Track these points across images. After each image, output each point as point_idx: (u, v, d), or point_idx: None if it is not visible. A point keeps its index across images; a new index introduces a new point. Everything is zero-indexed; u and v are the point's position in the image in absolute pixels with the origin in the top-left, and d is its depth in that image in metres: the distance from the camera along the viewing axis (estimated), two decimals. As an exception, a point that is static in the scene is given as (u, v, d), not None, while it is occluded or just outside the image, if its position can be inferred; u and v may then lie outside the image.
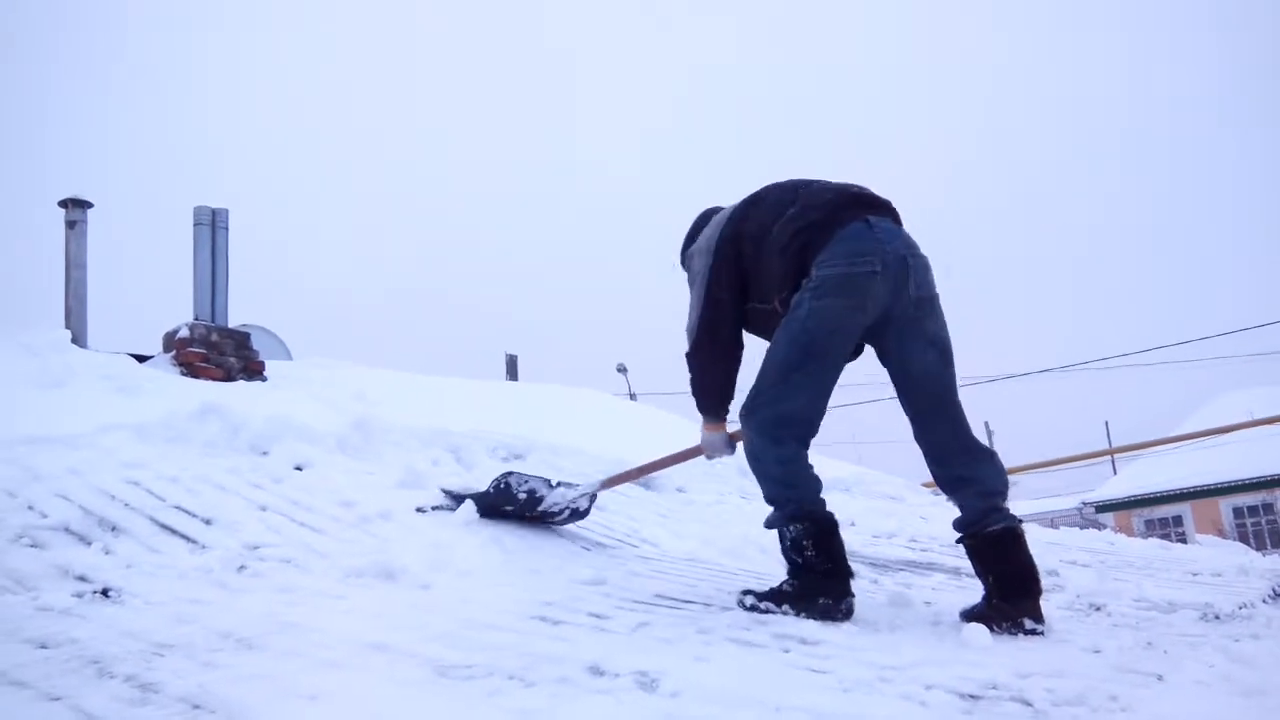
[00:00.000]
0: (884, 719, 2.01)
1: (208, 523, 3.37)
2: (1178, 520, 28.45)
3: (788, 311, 2.90)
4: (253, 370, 6.52)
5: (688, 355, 3.16)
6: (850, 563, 3.04)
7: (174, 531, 3.28)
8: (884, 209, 2.98)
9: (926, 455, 3.03)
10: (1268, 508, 28.17)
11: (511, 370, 12.86)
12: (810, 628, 2.79)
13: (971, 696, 2.20)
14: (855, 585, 3.02)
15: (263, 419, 4.37)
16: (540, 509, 3.83)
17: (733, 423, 3.23)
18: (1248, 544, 13.87)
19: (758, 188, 3.19)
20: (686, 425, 3.75)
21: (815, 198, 2.95)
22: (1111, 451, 26.14)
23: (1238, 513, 28.44)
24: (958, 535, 3.07)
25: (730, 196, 3.31)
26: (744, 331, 3.15)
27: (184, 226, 6.98)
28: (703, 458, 3.50)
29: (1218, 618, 3.42)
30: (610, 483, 3.94)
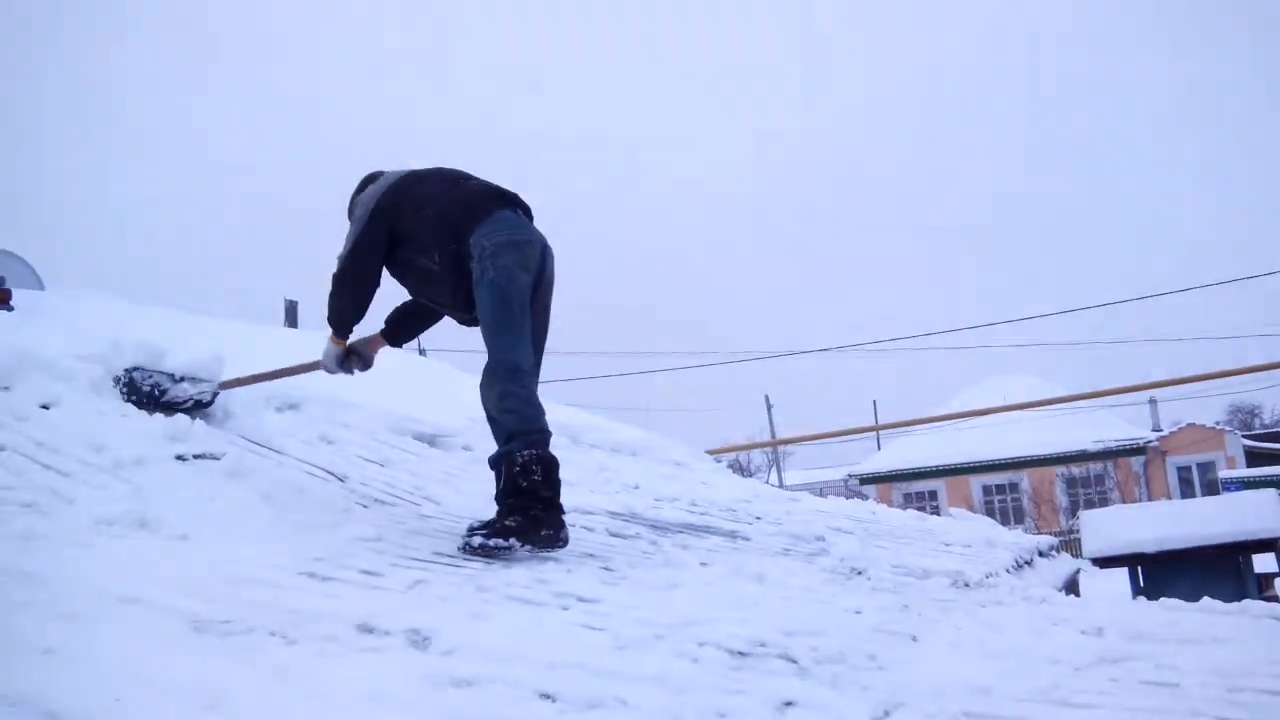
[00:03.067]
0: (656, 675, 2.03)
1: (-67, 463, 3.03)
2: (933, 495, 30.68)
3: (466, 279, 3.47)
4: (-2, 299, 5.93)
5: (335, 276, 3.69)
6: (634, 524, 3.10)
7: (-109, 472, 2.92)
8: (525, 209, 3.70)
9: None
10: (1014, 486, 30.85)
11: (291, 317, 12.27)
12: (591, 587, 2.80)
13: (740, 653, 2.26)
14: (635, 546, 3.07)
15: (5, 351, 3.96)
16: (165, 399, 4.10)
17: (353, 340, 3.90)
18: (995, 519, 15.04)
19: (422, 166, 3.83)
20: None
21: (476, 185, 3.69)
22: (877, 428, 27.71)
23: (987, 490, 31.01)
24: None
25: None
26: (390, 275, 3.74)
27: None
28: (322, 371, 4.05)
29: (967, 585, 3.67)
30: (229, 384, 4.27)
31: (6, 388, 3.78)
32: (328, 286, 3.75)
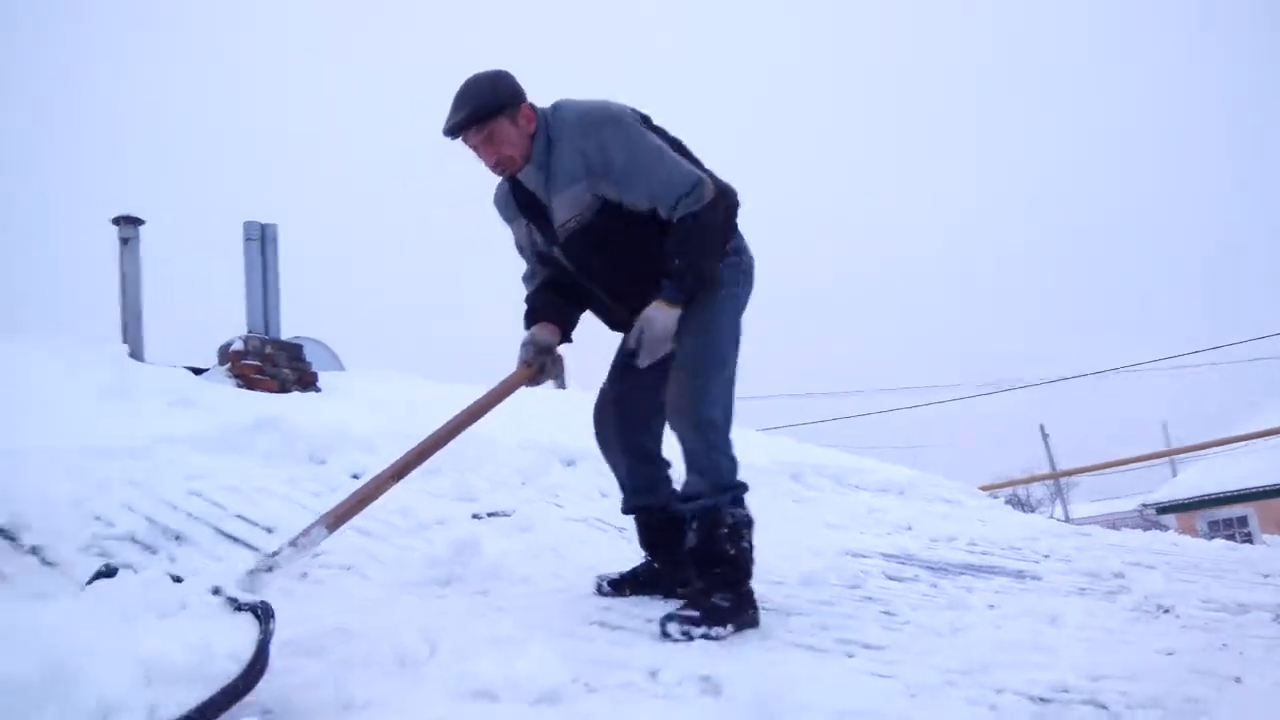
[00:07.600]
0: (953, 723, 1.97)
1: (269, 530, 3.41)
2: (1243, 521, 27.74)
3: (712, 292, 2.81)
4: (306, 382, 6.60)
5: (710, 205, 2.72)
6: (911, 565, 3.02)
7: (236, 540, 3.31)
8: None
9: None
10: (1337, 507, 27.46)
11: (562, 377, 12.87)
12: (873, 632, 2.75)
13: (1042, 700, 2.16)
14: (914, 588, 2.99)
15: (319, 429, 4.42)
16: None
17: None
18: (1318, 545, 13.47)
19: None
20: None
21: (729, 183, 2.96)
22: (1172, 452, 25.62)
23: (1305, 513, 27.75)
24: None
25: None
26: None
27: (235, 239, 7.09)
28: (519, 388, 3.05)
29: (1293, 619, 3.32)
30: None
31: (323, 461, 4.21)
32: (694, 232, 2.71)
